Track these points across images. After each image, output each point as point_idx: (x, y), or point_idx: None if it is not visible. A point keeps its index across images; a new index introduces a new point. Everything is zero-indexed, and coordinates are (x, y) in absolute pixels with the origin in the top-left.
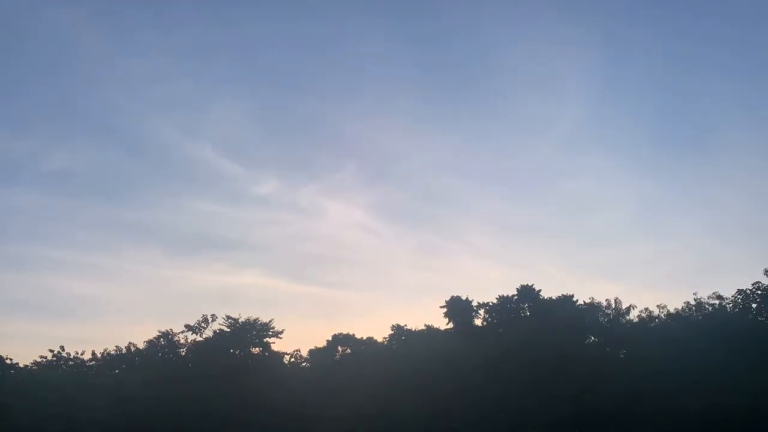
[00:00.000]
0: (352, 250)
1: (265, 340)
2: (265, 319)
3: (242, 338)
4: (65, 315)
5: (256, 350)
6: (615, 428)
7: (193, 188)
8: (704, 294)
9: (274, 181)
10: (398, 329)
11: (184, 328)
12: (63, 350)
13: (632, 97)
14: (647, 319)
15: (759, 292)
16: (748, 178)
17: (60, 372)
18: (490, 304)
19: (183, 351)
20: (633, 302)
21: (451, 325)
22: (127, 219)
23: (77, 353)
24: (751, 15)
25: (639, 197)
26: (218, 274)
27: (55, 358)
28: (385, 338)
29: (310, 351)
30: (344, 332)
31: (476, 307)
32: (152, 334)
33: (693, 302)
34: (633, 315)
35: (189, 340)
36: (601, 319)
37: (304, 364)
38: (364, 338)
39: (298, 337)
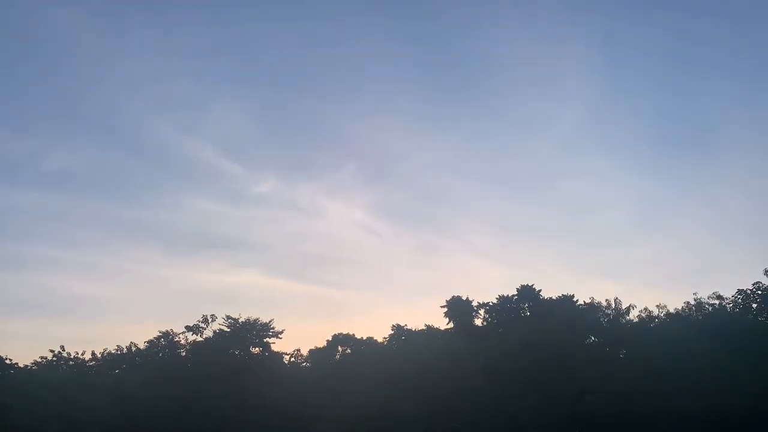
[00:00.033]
0: (352, 250)
1: (265, 340)
2: (265, 319)
3: (242, 338)
4: (65, 315)
5: (256, 350)
6: (615, 428)
7: (192, 187)
8: (704, 294)
9: (274, 181)
10: (398, 329)
11: (184, 329)
12: (63, 350)
13: (632, 97)
14: (647, 319)
15: (759, 292)
16: (748, 178)
17: (60, 372)
18: (490, 304)
19: (183, 351)
20: (633, 302)
21: (451, 325)
22: (127, 218)
23: (77, 353)
24: (751, 15)
25: (639, 197)
26: (218, 274)
27: (55, 358)
28: (385, 338)
29: (310, 351)
30: (344, 332)
31: (476, 307)
32: (152, 334)
33: (693, 302)
34: (633, 315)
35: (189, 341)
36: (601, 319)
37: (304, 364)
38: (364, 338)
39: (298, 337)
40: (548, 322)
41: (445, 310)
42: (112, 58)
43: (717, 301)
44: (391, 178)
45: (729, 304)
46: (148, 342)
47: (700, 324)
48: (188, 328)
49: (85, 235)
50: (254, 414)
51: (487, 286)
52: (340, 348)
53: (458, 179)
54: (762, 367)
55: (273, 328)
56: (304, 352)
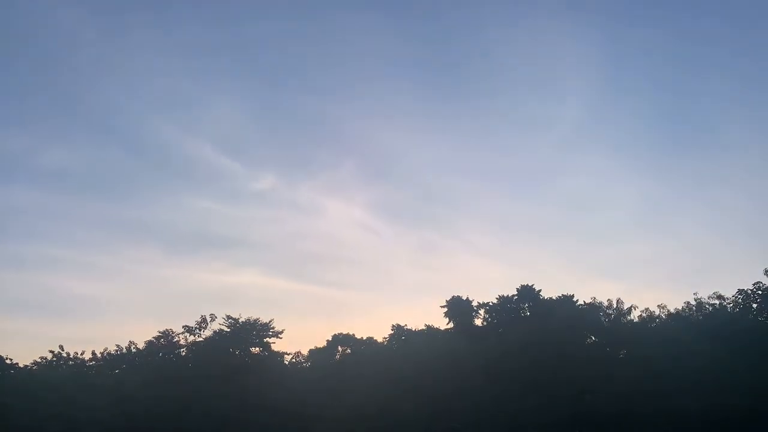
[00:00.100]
0: (351, 249)
1: (265, 340)
2: (265, 319)
3: (242, 338)
4: (65, 314)
5: (256, 350)
6: (615, 428)
7: (192, 186)
8: (704, 294)
9: (274, 179)
10: (398, 329)
11: (184, 329)
12: (63, 350)
13: (632, 97)
14: (647, 319)
15: (759, 292)
16: (748, 178)
17: (60, 372)
18: (491, 304)
19: (183, 351)
20: (633, 302)
21: (451, 325)
22: (127, 217)
23: (77, 353)
24: (751, 15)
25: (639, 197)
26: (217, 273)
27: (55, 358)
28: (385, 338)
29: (310, 351)
30: (344, 332)
31: (476, 307)
32: (152, 333)
33: (693, 302)
34: (634, 315)
35: (189, 340)
36: (602, 319)
37: (304, 364)
38: (364, 338)
39: (298, 336)
40: (548, 322)
41: (445, 310)
42: (112, 58)
43: (717, 301)
44: (391, 177)
45: (729, 304)
46: (147, 342)
47: (700, 324)
48: (188, 328)
49: (84, 234)
50: (254, 414)
51: (487, 285)
52: (340, 348)
53: (458, 178)
54: (762, 367)
55: (273, 328)
56: (304, 352)
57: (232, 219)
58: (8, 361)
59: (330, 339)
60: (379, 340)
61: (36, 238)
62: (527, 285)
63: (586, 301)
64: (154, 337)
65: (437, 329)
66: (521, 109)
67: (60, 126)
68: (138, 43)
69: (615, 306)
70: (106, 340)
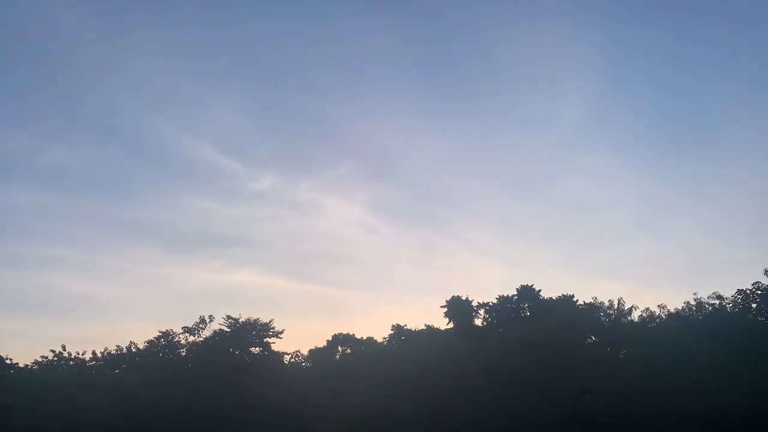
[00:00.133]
0: (351, 248)
1: (265, 340)
2: (265, 319)
3: (242, 338)
4: (65, 314)
5: (256, 350)
6: (615, 428)
7: (192, 186)
8: (704, 294)
9: (273, 179)
10: (398, 329)
11: (184, 329)
12: (63, 350)
13: (632, 97)
14: (647, 319)
15: (759, 292)
16: (748, 178)
17: (60, 372)
18: (490, 304)
19: (183, 351)
20: (634, 302)
21: (451, 325)
22: (127, 217)
23: (78, 353)
24: (751, 15)
25: (639, 196)
26: (217, 273)
27: (55, 358)
28: (385, 338)
29: (310, 351)
30: (344, 332)
31: (476, 307)
32: (152, 333)
33: (693, 302)
34: (634, 315)
35: (189, 341)
36: (602, 319)
37: (304, 364)
38: (364, 338)
39: (298, 336)
40: (548, 322)
41: (445, 310)
42: (112, 58)
43: (717, 301)
44: (391, 177)
45: (729, 304)
46: (147, 342)
47: (700, 324)
48: (188, 328)
49: (84, 234)
50: (254, 414)
51: (487, 285)
52: (340, 348)
53: (458, 177)
54: (762, 367)
55: (273, 328)
56: (304, 351)
57: (232, 218)
58: (8, 361)
59: (330, 339)
60: (379, 340)
61: (36, 237)
62: (527, 285)
63: (586, 301)
64: (154, 338)
65: (437, 329)
66: (521, 109)
67: (60, 126)
68: (138, 43)
69: (615, 306)
70: (106, 340)
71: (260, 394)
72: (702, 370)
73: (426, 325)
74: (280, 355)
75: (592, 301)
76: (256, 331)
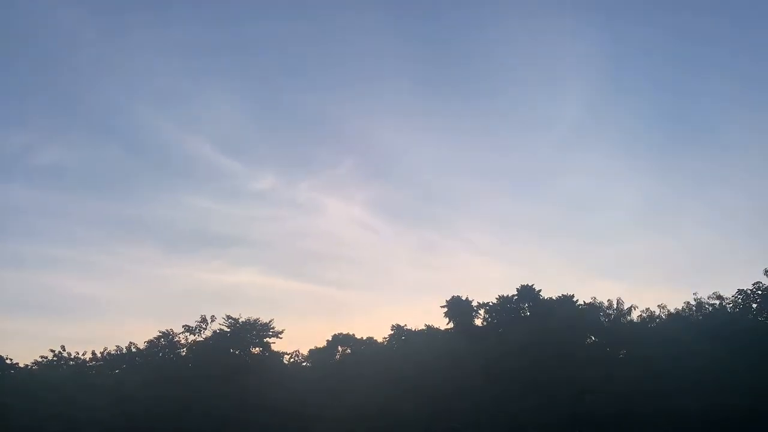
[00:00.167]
0: (351, 248)
1: (265, 340)
2: (264, 319)
3: (242, 338)
4: (65, 314)
5: (256, 350)
6: (615, 428)
7: (191, 185)
8: (704, 294)
9: (273, 178)
10: (398, 329)
11: (184, 329)
12: (63, 350)
13: (632, 97)
14: (647, 319)
15: (759, 292)
16: (748, 178)
17: (60, 372)
18: (490, 304)
19: (183, 351)
20: (633, 301)
21: (451, 325)
22: (126, 216)
23: (77, 353)
24: (751, 15)
25: (639, 196)
26: (217, 272)
27: (55, 358)
28: (385, 338)
29: (310, 351)
30: (344, 332)
31: (476, 307)
32: (152, 333)
33: (693, 302)
34: (634, 315)
35: (189, 340)
36: (602, 319)
37: (304, 364)
38: (364, 338)
39: (297, 335)
40: (548, 322)
41: (445, 310)
42: (112, 58)
43: (717, 301)
44: (391, 176)
45: (729, 304)
46: (148, 342)
47: (700, 324)
48: (188, 328)
49: (84, 234)
50: (254, 414)
51: (487, 285)
52: (340, 348)
53: (458, 177)
54: (762, 367)
55: (273, 328)
56: (304, 351)
57: (232, 218)
58: (8, 361)
59: (330, 339)
60: (379, 340)
61: (35, 237)
62: (527, 285)
63: (586, 301)
64: (154, 337)
65: (437, 329)
66: (521, 109)
67: (60, 125)
68: (138, 43)
69: (615, 306)
70: (106, 340)
71: (260, 394)
72: (702, 370)
73: (426, 325)
74: (280, 355)
75: (592, 301)
76: (256, 331)
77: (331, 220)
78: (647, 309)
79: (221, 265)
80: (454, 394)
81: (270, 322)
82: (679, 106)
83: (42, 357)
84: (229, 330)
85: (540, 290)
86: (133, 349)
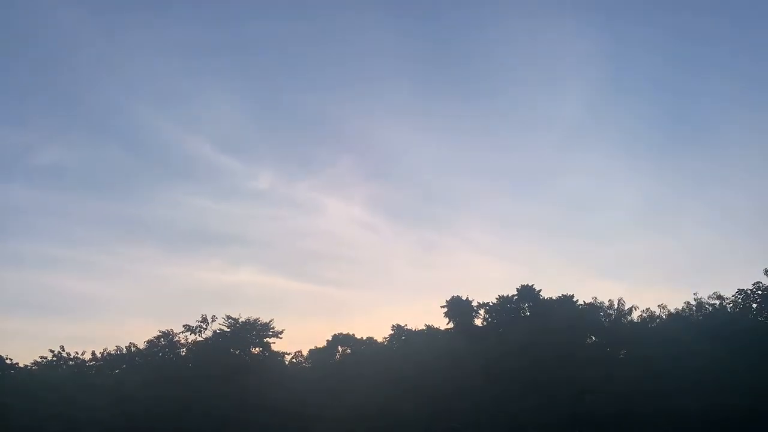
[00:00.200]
0: (350, 247)
1: (265, 340)
2: (264, 319)
3: (242, 338)
4: (65, 314)
5: (256, 350)
6: (615, 428)
7: (191, 184)
8: (704, 294)
9: (272, 177)
10: (398, 329)
11: (184, 329)
12: (63, 350)
13: (632, 96)
14: (647, 319)
15: (759, 292)
16: (748, 178)
17: (60, 372)
18: (491, 304)
19: (183, 351)
20: (634, 302)
21: (451, 325)
22: (126, 215)
23: (77, 353)
24: (751, 15)
25: (639, 196)
26: (216, 271)
27: (55, 358)
28: (385, 338)
29: (311, 351)
30: (344, 332)
31: (476, 307)
32: (152, 333)
33: (693, 302)
34: (634, 315)
35: (189, 340)
36: (602, 319)
37: (304, 364)
38: (364, 338)
39: (297, 335)
40: (548, 322)
41: (445, 310)
42: (112, 58)
43: (717, 301)
44: (391, 176)
45: (729, 304)
46: (148, 342)
47: (700, 324)
48: (188, 328)
49: (83, 233)
50: (254, 414)
51: (488, 284)
52: (340, 348)
53: (458, 176)
54: (762, 367)
55: (273, 328)
56: (304, 351)
57: (232, 217)
58: (8, 361)
59: (330, 339)
60: (379, 340)
61: (35, 236)
62: (527, 285)
63: (586, 301)
64: (154, 337)
65: (437, 329)
66: (521, 108)
67: (59, 125)
68: (138, 43)
69: (615, 306)
70: (106, 339)
71: (260, 394)
72: (702, 370)
73: (426, 325)
74: (280, 355)
75: (592, 301)
76: (256, 331)
77: (330, 220)
78: (647, 309)
79: (221, 264)
80: (454, 394)
81: (270, 322)
82: (679, 106)
83: (42, 357)
84: (229, 330)
85: (540, 290)
86: (133, 349)
